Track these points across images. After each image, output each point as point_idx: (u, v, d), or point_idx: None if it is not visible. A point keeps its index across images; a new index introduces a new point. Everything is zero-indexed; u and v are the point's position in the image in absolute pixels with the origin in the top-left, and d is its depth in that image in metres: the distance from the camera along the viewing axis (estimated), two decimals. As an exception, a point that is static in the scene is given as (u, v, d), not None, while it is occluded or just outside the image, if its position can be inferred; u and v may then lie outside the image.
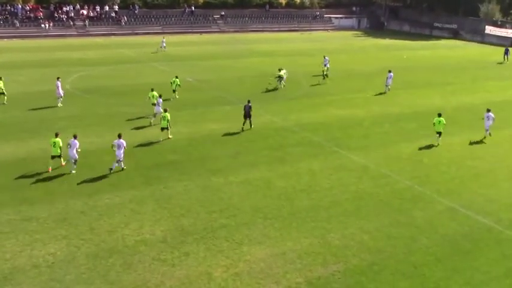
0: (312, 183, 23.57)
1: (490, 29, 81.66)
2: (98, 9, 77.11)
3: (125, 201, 21.05)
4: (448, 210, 21.36)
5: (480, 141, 30.28)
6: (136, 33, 76.00)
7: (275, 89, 41.56)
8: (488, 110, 31.07)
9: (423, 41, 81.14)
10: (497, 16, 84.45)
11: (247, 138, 29.59)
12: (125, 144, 23.84)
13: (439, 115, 29.47)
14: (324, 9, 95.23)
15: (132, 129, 30.54)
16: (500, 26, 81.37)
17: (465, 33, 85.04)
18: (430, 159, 27.24)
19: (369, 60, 52.17)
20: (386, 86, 42.54)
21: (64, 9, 74.96)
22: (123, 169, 24.14)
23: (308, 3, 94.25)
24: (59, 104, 35.11)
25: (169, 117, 28.08)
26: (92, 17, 76.36)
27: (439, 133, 29.32)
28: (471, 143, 30.04)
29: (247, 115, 30.88)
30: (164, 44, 60.40)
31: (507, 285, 16.34)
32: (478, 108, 38.34)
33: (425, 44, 77.23)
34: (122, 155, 23.78)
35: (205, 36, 77.47)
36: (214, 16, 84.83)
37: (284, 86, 41.59)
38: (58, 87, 34.87)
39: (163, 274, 16.26)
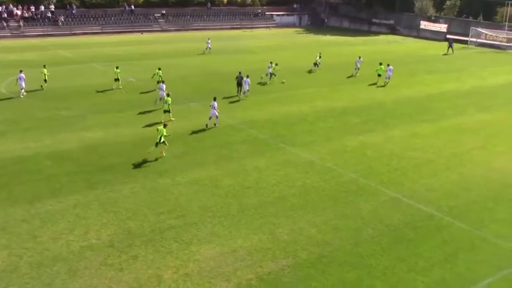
0: (259, 180, 23.70)
1: (424, 24, 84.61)
2: (33, 9, 74.27)
3: (69, 207, 20.44)
4: (391, 201, 22.03)
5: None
6: (75, 34, 73.78)
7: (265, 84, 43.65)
8: (389, 65, 44.83)
9: (363, 36, 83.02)
10: (431, 12, 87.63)
11: (193, 138, 29.38)
12: (216, 106, 30.69)
13: (380, 64, 44.65)
14: (265, 7, 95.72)
15: (71, 132, 29.66)
16: (434, 21, 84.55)
17: (402, 28, 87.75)
18: (373, 151, 27.98)
19: (312, 57, 52.90)
20: (357, 68, 48.77)
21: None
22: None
23: (249, 0, 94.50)
24: (22, 95, 36.73)
25: (170, 102, 31.16)
26: (27, 18, 73.49)
27: (380, 75, 44.42)
28: (411, 135, 31.09)
29: (239, 83, 37.94)
30: (209, 46, 60.50)
31: (448, 269, 17.03)
32: (418, 101, 39.80)
33: (365, 40, 79.09)
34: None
35: (146, 36, 76.30)
36: (155, 15, 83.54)
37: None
38: (21, 78, 36.55)
39: (110, 279, 15.92)
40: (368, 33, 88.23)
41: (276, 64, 44.67)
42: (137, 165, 24.98)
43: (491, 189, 23.50)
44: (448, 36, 76.47)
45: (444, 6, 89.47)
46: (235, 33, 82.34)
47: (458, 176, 24.88)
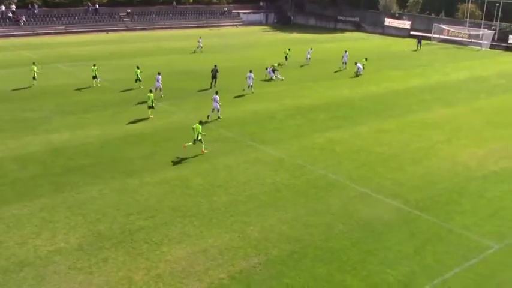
0: (229, 178, 23.68)
1: (389, 21, 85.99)
2: (-7, 9, 72.36)
3: (35, 211, 20.01)
4: (360, 196, 22.32)
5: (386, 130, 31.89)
6: (37, 34, 72.17)
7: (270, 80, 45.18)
8: (356, 63, 48.51)
9: (329, 34, 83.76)
10: (395, 9, 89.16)
11: (162, 137, 29.14)
12: (218, 100, 31.89)
13: (366, 59, 50.11)
14: (231, 5, 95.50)
15: (37, 134, 29.05)
16: (398, 18, 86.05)
17: (367, 25, 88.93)
18: (341, 147, 28.28)
19: (279, 54, 53.18)
20: (344, 63, 50.59)
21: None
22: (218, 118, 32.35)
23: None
24: None
25: (153, 97, 31.96)
26: (-13, 18, 71.56)
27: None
28: (378, 131, 31.53)
29: (214, 76, 40.00)
30: (201, 45, 60.64)
31: (417, 261, 17.37)
32: (384, 97, 40.41)
33: (331, 37, 79.81)
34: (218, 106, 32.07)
35: (111, 35, 75.23)
36: (120, 14, 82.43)
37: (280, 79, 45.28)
38: None
39: (80, 283, 15.66)
40: (334, 30, 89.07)
41: (279, 64, 47.35)
42: (105, 167, 24.63)
43: (456, 182, 24.06)
44: (415, 33, 77.48)
45: (407, 3, 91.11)
46: (201, 31, 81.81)
47: (424, 170, 25.39)
